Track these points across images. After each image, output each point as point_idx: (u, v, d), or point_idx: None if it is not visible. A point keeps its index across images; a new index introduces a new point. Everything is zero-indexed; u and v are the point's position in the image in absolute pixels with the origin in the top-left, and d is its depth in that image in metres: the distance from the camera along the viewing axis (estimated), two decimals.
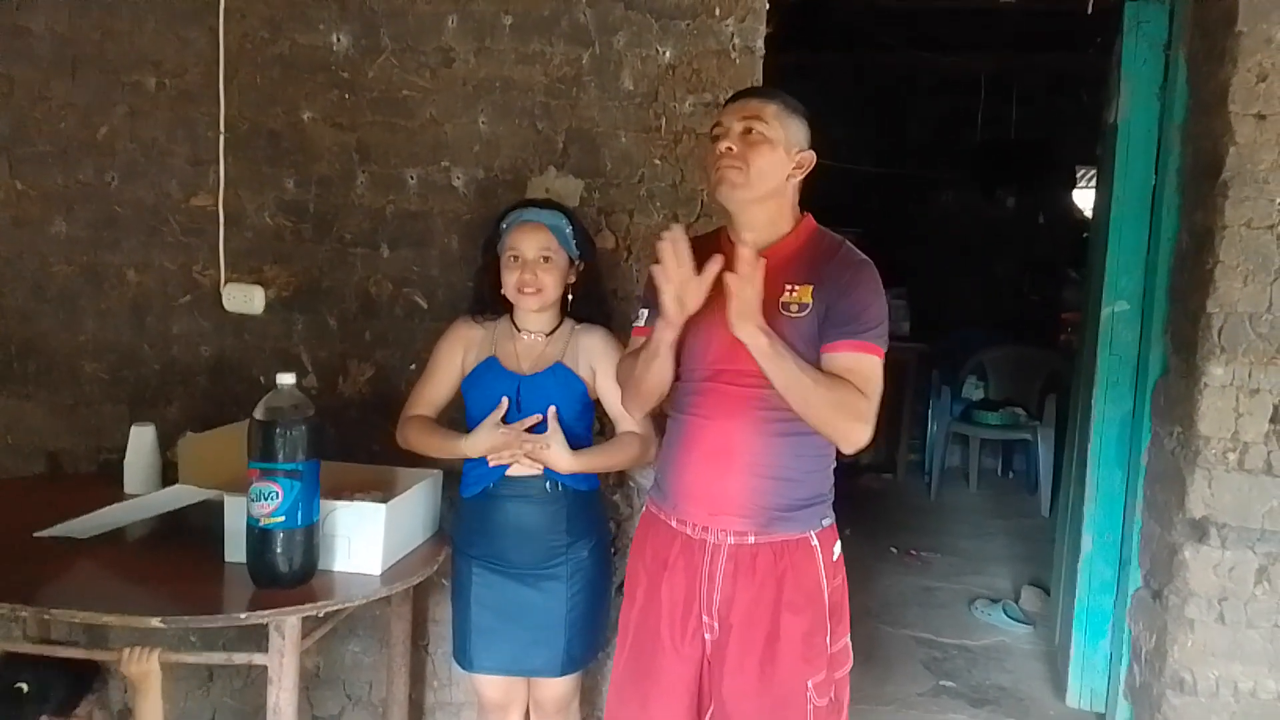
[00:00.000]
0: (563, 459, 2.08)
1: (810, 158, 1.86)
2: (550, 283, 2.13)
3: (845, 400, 1.73)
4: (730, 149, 1.78)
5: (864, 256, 1.85)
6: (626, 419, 2.14)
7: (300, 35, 2.56)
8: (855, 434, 1.75)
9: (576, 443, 2.13)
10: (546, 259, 2.12)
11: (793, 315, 1.78)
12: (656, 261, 1.74)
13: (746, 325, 1.69)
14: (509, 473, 2.13)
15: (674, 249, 1.72)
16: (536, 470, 2.12)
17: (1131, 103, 2.77)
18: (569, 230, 2.15)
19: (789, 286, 1.79)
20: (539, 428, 2.09)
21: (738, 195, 1.80)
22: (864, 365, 1.76)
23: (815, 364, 1.77)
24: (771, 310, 1.75)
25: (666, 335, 1.79)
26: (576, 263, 2.19)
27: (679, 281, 1.73)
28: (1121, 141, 2.78)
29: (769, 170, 1.80)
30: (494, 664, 2.21)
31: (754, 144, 1.79)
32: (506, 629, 2.18)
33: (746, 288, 1.68)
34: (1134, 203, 2.77)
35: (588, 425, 2.22)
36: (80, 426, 2.74)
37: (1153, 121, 2.74)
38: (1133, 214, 2.78)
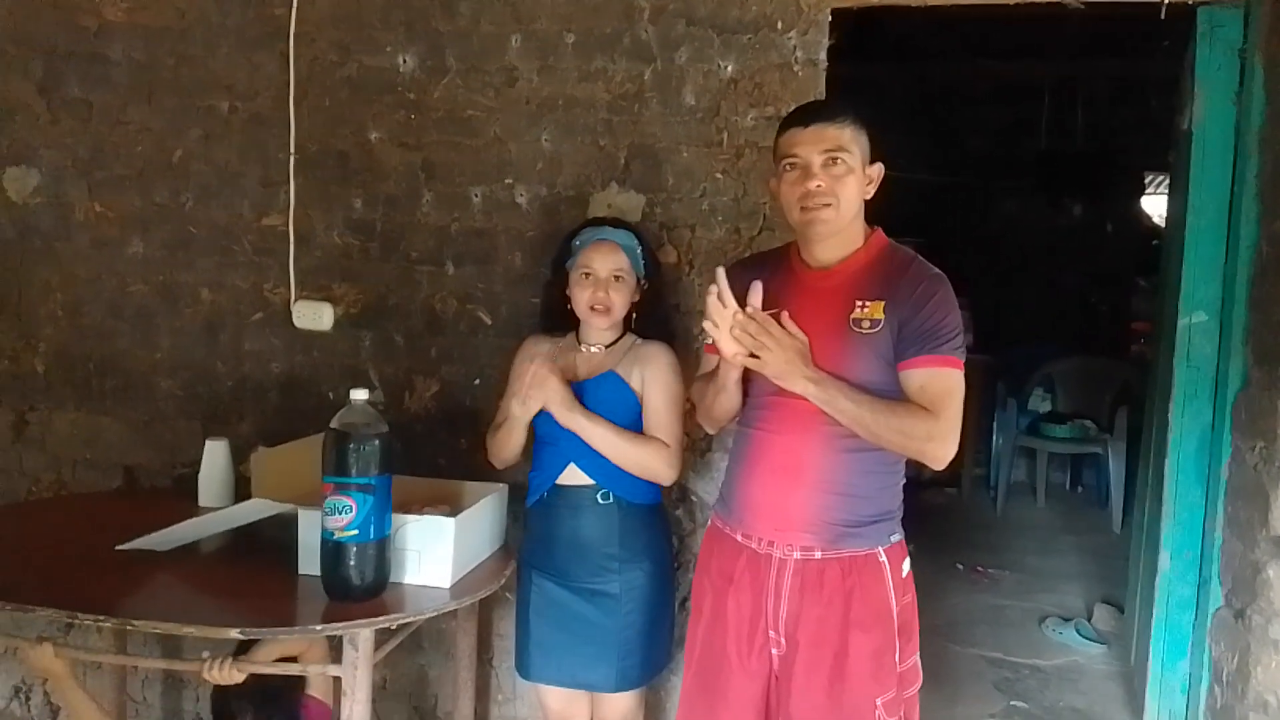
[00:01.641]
0: (558, 397, 2.08)
1: (880, 170, 1.84)
2: (619, 302, 2.15)
3: (909, 425, 1.72)
4: (821, 187, 1.75)
5: (937, 270, 1.82)
6: (659, 429, 2.15)
7: (367, 58, 2.61)
8: (933, 452, 1.74)
9: None
10: (618, 278, 2.14)
11: (865, 332, 1.76)
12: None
13: (793, 383, 1.71)
14: (559, 481, 2.17)
15: (718, 295, 1.73)
16: (588, 480, 2.14)
17: (1206, 109, 2.69)
18: (639, 250, 2.18)
19: (860, 303, 1.77)
20: None
21: (830, 230, 1.79)
22: (939, 381, 1.74)
23: (890, 379, 1.75)
24: (842, 327, 1.73)
25: (732, 374, 1.81)
26: (643, 282, 2.21)
27: (727, 325, 1.73)
28: (1196, 148, 2.70)
29: (855, 198, 1.79)
30: (550, 675, 2.23)
31: (840, 177, 1.76)
32: (563, 641, 2.19)
33: (776, 355, 1.70)
34: (1211, 211, 2.69)
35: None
36: (156, 442, 2.82)
37: (1229, 128, 2.66)
38: (1209, 223, 2.70)
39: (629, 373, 2.16)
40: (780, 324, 1.74)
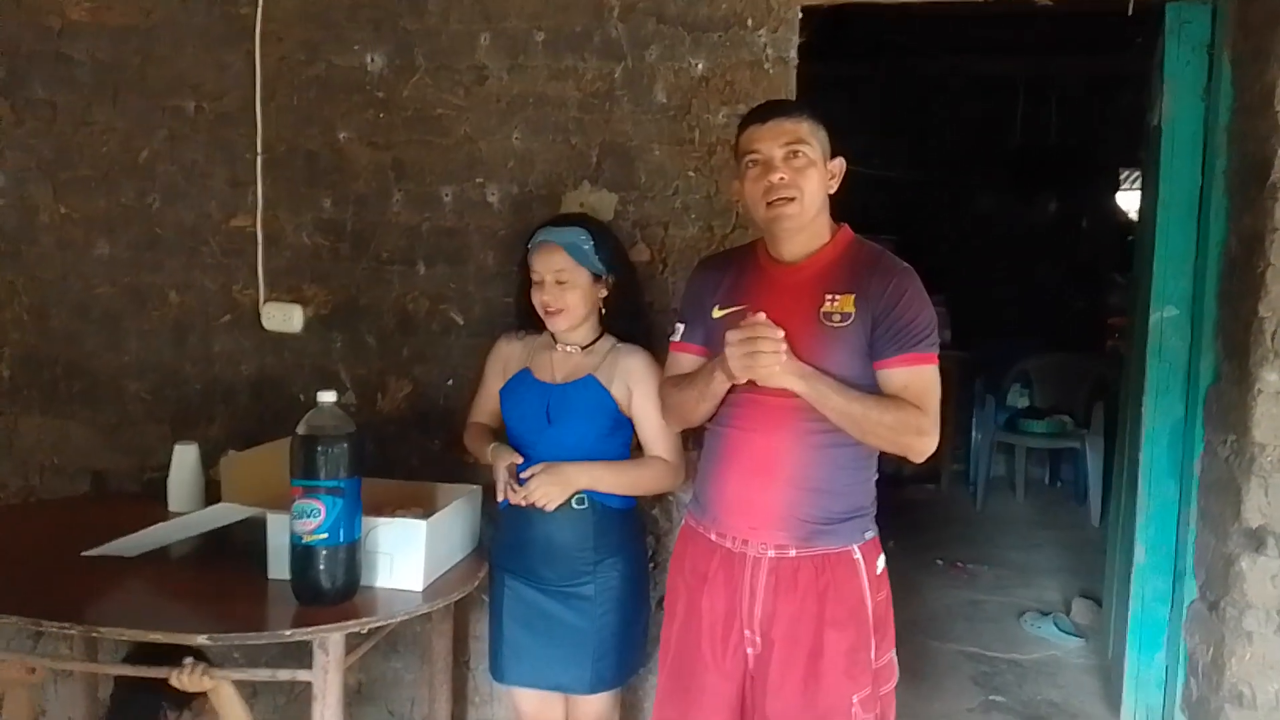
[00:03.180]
0: (554, 494, 2.08)
1: (841, 164, 1.85)
2: (573, 301, 2.13)
3: (900, 420, 1.73)
4: (784, 179, 1.75)
5: (905, 264, 1.83)
6: (657, 445, 2.14)
7: (336, 57, 2.59)
8: (918, 447, 1.76)
9: (602, 459, 2.14)
10: (561, 281, 2.11)
11: (835, 325, 1.76)
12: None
13: (782, 380, 1.70)
14: None
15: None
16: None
17: (1175, 105, 2.71)
18: (588, 246, 2.12)
19: (830, 296, 1.77)
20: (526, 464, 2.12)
21: (796, 225, 1.79)
22: (920, 378, 1.76)
23: (864, 373, 1.75)
24: (812, 321, 1.73)
25: (726, 385, 1.80)
26: (605, 277, 2.17)
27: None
28: (1166, 145, 2.72)
29: (818, 190, 1.79)
30: (523, 677, 2.22)
31: (801, 170, 1.76)
32: (536, 643, 2.18)
33: (769, 358, 1.68)
34: (1180, 207, 2.71)
35: (622, 442, 2.20)
36: (124, 446, 2.78)
37: (1197, 124, 2.68)
38: (1179, 218, 2.71)
39: (609, 379, 2.14)
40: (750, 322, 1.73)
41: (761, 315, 1.71)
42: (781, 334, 1.69)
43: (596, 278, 2.15)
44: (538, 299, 2.13)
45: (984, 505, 5.41)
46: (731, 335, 1.71)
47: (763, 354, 1.67)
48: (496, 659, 2.26)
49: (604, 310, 2.19)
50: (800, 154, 1.76)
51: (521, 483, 2.10)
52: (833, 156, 1.83)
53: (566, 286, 2.11)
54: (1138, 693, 2.95)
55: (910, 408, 1.73)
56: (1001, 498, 5.58)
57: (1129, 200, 6.68)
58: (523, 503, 2.10)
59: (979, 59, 5.81)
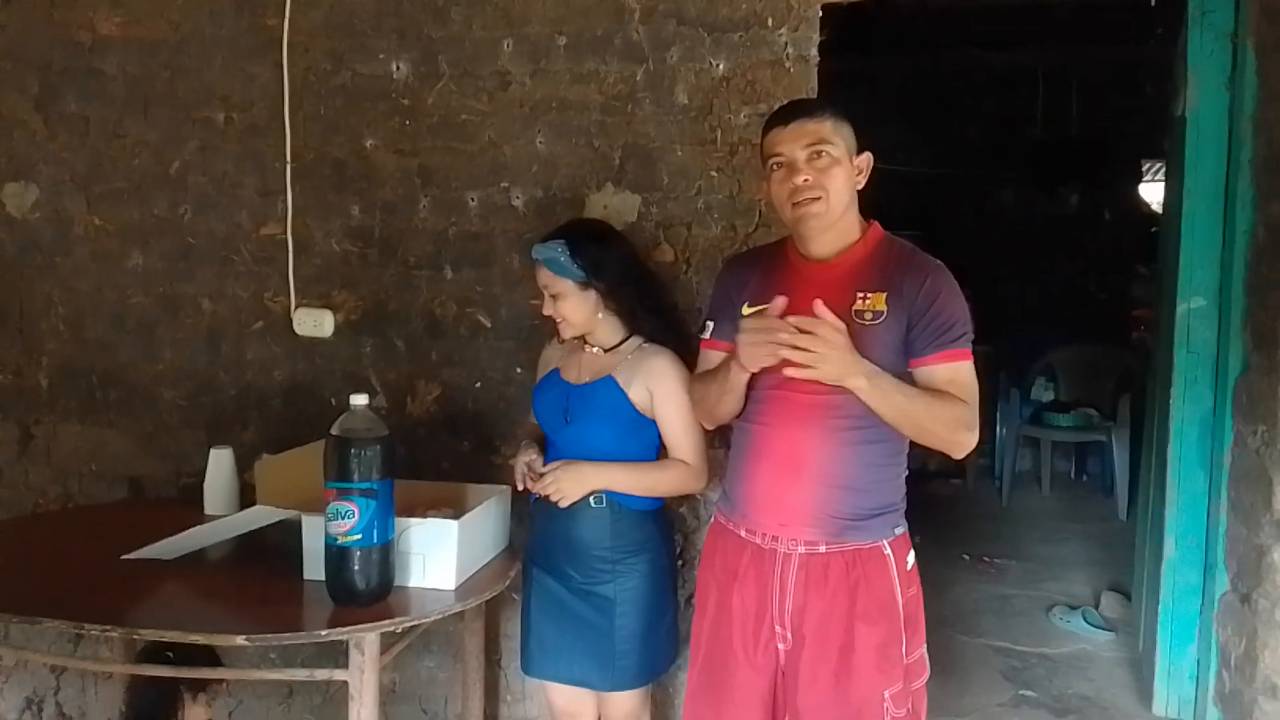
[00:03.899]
0: (566, 490, 2.11)
1: (868, 159, 1.85)
2: (566, 310, 2.16)
3: (954, 415, 1.74)
4: (808, 180, 1.76)
5: (936, 261, 1.83)
6: (679, 448, 2.15)
7: (361, 65, 2.62)
8: (966, 442, 1.78)
9: (623, 459, 2.16)
10: (554, 295, 2.16)
11: (867, 323, 1.77)
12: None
13: (847, 381, 1.68)
14: None
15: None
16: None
17: (1199, 95, 2.70)
18: (565, 258, 2.12)
19: (861, 294, 1.78)
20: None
21: (822, 224, 1.79)
22: (961, 373, 1.77)
23: (896, 371, 1.75)
24: (844, 319, 1.72)
25: (743, 377, 1.80)
26: (591, 283, 2.15)
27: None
28: (1191, 134, 2.71)
29: (844, 188, 1.79)
30: (549, 671, 2.25)
31: (825, 169, 1.77)
32: (561, 639, 2.20)
33: (831, 357, 1.65)
34: (1206, 197, 2.70)
35: (646, 444, 2.19)
36: (160, 452, 2.83)
37: (1222, 113, 2.68)
38: (1205, 208, 2.71)
39: (628, 380, 2.15)
40: (813, 316, 1.67)
41: (819, 303, 1.67)
42: (843, 327, 1.67)
43: (584, 285, 2.15)
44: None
45: (1009, 499, 5.39)
46: (749, 325, 1.72)
47: (819, 355, 1.65)
48: (525, 652, 2.29)
49: (616, 311, 2.19)
50: (824, 154, 1.76)
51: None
52: (860, 152, 1.84)
53: (557, 299, 2.16)
54: (1170, 686, 2.94)
55: (959, 402, 1.74)
56: (1027, 492, 5.56)
57: (1152, 191, 6.64)
58: (540, 492, 2.13)
59: (999, 52, 5.78)
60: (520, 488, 2.20)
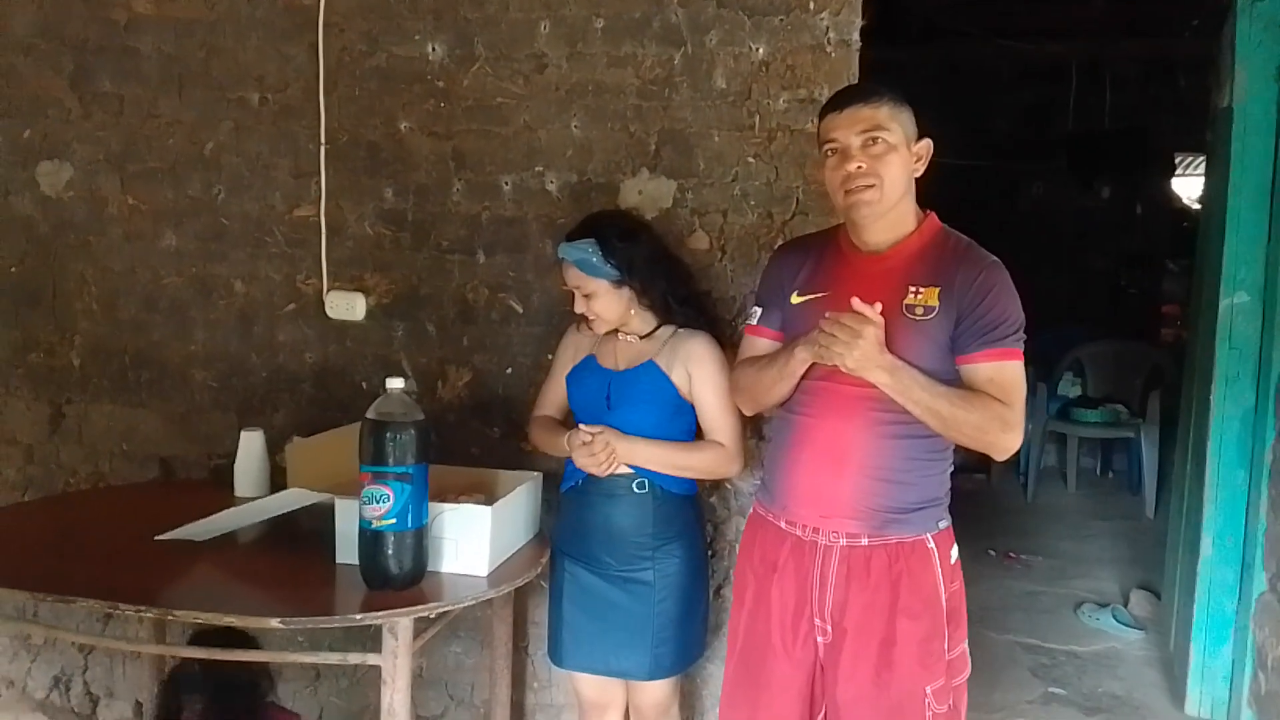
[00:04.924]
0: (623, 450, 2.09)
1: (928, 146, 1.81)
2: (599, 308, 2.15)
3: (985, 417, 1.70)
4: (861, 168, 1.73)
5: (993, 257, 1.79)
6: (717, 430, 2.14)
7: (396, 47, 2.60)
8: (1003, 444, 1.73)
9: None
10: (587, 295, 2.14)
11: (918, 318, 1.73)
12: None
13: (867, 373, 1.67)
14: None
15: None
16: (624, 468, 2.13)
17: (1247, 86, 2.66)
18: (597, 258, 2.11)
19: (913, 289, 1.75)
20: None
21: (875, 212, 1.76)
22: (1006, 373, 1.72)
23: (944, 367, 1.72)
24: (895, 312, 1.70)
25: (804, 367, 1.78)
26: (626, 280, 2.14)
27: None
28: (1237, 126, 2.66)
29: (900, 176, 1.76)
30: (582, 662, 2.24)
31: (880, 156, 1.73)
32: (595, 628, 2.19)
33: (850, 348, 1.65)
34: (1252, 190, 2.66)
35: (685, 428, 2.19)
36: (192, 433, 2.83)
37: (1270, 104, 2.63)
38: (1251, 202, 2.66)
39: (669, 364, 2.14)
40: (852, 310, 1.69)
41: (855, 300, 1.67)
42: (880, 320, 1.66)
43: (618, 284, 2.14)
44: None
45: (1035, 495, 5.35)
46: (825, 321, 1.70)
47: (855, 343, 1.64)
48: (556, 643, 2.27)
49: (649, 306, 2.18)
50: (879, 140, 1.73)
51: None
52: (920, 138, 1.80)
53: (590, 298, 2.14)
54: (1203, 686, 2.91)
55: (995, 403, 1.69)
56: (1052, 488, 5.51)
57: (1184, 186, 6.56)
58: (593, 454, 2.08)
59: (1032, 44, 5.71)
60: (582, 457, 2.11)
